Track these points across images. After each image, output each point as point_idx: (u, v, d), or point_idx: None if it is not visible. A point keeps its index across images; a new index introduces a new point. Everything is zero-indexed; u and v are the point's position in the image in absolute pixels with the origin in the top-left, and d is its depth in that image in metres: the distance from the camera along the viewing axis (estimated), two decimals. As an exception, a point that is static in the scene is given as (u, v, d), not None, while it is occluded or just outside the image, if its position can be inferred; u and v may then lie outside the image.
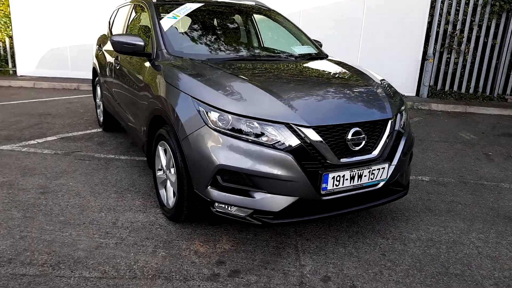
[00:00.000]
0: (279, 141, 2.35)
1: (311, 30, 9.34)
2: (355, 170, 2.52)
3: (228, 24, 3.87)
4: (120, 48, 3.25)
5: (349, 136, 2.48)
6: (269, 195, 2.38)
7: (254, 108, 2.43)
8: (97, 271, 2.35)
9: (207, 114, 2.45)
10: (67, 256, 2.49)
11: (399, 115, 2.86)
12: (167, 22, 3.45)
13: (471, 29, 9.11)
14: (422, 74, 9.20)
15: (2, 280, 2.23)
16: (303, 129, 2.38)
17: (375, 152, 2.61)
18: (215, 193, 2.42)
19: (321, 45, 4.22)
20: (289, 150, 2.35)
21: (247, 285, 2.29)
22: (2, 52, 10.41)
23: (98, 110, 5.71)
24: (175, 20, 3.51)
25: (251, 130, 2.37)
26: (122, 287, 2.22)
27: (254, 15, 4.29)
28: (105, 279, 2.28)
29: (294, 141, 2.36)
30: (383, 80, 3.32)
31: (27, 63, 10.23)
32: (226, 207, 2.44)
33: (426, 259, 2.66)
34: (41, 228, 2.81)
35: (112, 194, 3.45)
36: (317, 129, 2.41)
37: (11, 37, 10.23)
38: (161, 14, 3.54)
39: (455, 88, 9.46)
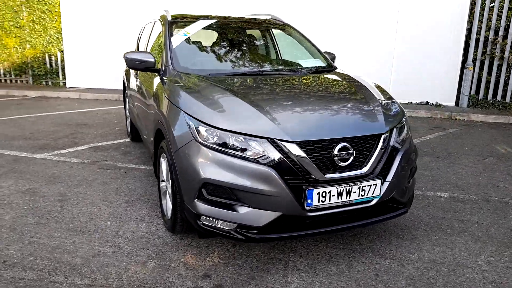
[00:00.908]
0: (263, 156, 2.36)
1: (339, 41, 9.41)
2: (343, 186, 2.46)
3: (237, 39, 3.93)
4: (132, 64, 3.41)
5: (335, 152, 2.44)
6: (252, 209, 2.39)
7: (239, 123, 2.46)
8: (88, 278, 2.48)
9: (196, 129, 2.52)
10: (65, 262, 2.64)
11: (395, 129, 2.76)
12: (177, 39, 3.59)
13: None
14: (461, 83, 8.75)
15: (2, 282, 2.41)
16: (285, 144, 2.37)
17: (365, 168, 2.54)
18: (201, 206, 2.47)
19: (333, 58, 4.16)
20: (272, 165, 2.35)
21: (226, 299, 2.31)
22: (54, 65, 11.21)
23: (127, 121, 5.99)
24: (185, 37, 3.63)
25: (236, 145, 2.40)
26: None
27: (267, 30, 4.33)
28: (93, 287, 2.39)
29: (276, 156, 2.36)
30: (385, 93, 3.22)
31: (75, 76, 10.94)
32: (213, 220, 2.48)
33: (422, 281, 2.54)
34: (49, 235, 3.00)
35: (122, 203, 3.60)
36: (300, 144, 2.39)
37: (62, 51, 11.01)
38: (174, 31, 3.68)
39: (499, 97, 8.90)
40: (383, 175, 2.61)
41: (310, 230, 2.50)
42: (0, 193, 3.76)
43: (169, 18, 3.89)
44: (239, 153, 2.39)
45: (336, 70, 3.77)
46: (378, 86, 3.34)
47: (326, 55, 4.12)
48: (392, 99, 3.15)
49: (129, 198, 3.71)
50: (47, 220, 3.24)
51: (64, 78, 11.13)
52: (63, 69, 11.09)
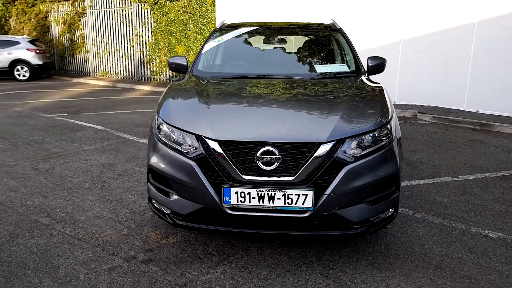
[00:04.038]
0: (192, 150, 2.56)
1: (413, 62, 8.49)
2: (264, 190, 2.44)
3: (267, 44, 4.06)
4: (171, 67, 3.98)
5: (258, 155, 2.43)
6: (180, 198, 2.62)
7: (183, 120, 2.71)
8: (74, 231, 3.15)
9: (158, 124, 2.86)
10: (72, 218, 3.39)
11: (353, 142, 2.51)
12: (209, 44, 3.99)
13: None
14: None
15: (26, 221, 3.29)
16: (209, 142, 2.51)
17: (292, 176, 2.43)
18: (151, 190, 2.82)
19: (380, 64, 3.78)
20: (196, 159, 2.53)
21: (142, 272, 2.61)
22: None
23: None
24: (217, 43, 4.00)
25: (178, 139, 2.66)
26: (73, 244, 2.92)
27: (307, 34, 4.28)
28: (72, 238, 3.04)
29: (200, 152, 2.52)
30: (381, 105, 2.87)
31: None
32: (158, 204, 2.80)
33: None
34: (84, 197, 3.84)
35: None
36: (225, 143, 2.48)
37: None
38: (212, 37, 4.10)
39: None
40: (318, 187, 2.44)
41: (231, 228, 2.57)
42: (89, 163, 4.89)
43: (218, 26, 4.31)
44: (175, 145, 2.64)
45: (357, 77, 3.50)
46: (381, 99, 2.99)
47: (372, 60, 3.82)
48: (384, 115, 2.77)
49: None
50: (96, 187, 4.11)
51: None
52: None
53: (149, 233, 3.14)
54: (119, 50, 14.96)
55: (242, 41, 4.13)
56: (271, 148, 2.43)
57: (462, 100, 8.25)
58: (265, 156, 2.43)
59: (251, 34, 4.15)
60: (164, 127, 2.75)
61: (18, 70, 14.41)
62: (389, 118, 2.77)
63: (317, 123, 2.60)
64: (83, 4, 15.66)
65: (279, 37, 4.19)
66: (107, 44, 15.27)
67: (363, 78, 3.49)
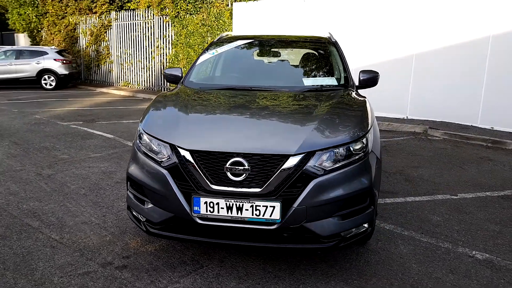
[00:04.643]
0: (166, 159, 2.61)
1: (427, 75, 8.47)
2: (232, 200, 2.46)
3: (259, 57, 4.11)
4: (167, 78, 4.09)
5: (227, 165, 2.46)
6: (153, 206, 2.67)
7: (162, 130, 2.77)
8: (59, 235, 3.25)
9: (138, 133, 2.94)
10: (61, 222, 3.50)
11: (324, 155, 2.51)
12: (204, 56, 4.08)
13: None
14: None
15: (17, 224, 3.42)
16: (181, 151, 2.56)
17: (260, 188, 2.45)
18: (130, 198, 2.89)
19: (373, 77, 3.78)
20: (169, 168, 2.58)
21: (114, 278, 2.67)
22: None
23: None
24: (212, 56, 4.09)
25: (154, 148, 2.73)
26: (56, 248, 3.01)
27: (301, 47, 4.31)
28: (56, 242, 3.14)
29: (173, 161, 2.57)
30: (361, 119, 2.86)
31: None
32: (135, 212, 2.86)
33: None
34: (78, 203, 3.96)
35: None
36: (196, 152, 2.53)
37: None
38: (208, 49, 4.19)
39: None
40: (286, 199, 2.44)
41: (201, 238, 2.59)
42: (91, 171, 5.03)
43: (216, 39, 4.41)
44: (151, 154, 2.70)
45: (344, 90, 3.49)
46: (361, 113, 2.98)
47: (364, 74, 3.81)
48: (361, 128, 2.76)
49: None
50: (91, 193, 4.23)
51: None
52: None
53: (130, 240, 3.20)
54: (141, 61, 15.39)
55: (235, 54, 4.20)
56: (240, 159, 2.46)
57: (476, 116, 8.02)
58: (234, 167, 2.46)
59: (245, 47, 4.21)
60: (144, 137, 2.82)
61: (45, 79, 15.02)
62: (366, 131, 2.75)
63: (288, 135, 2.61)
64: (109, 16, 16.25)
65: (272, 50, 4.23)
66: (130, 56, 15.74)
67: (350, 91, 3.47)
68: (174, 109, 3.04)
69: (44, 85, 15.03)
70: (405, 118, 9.00)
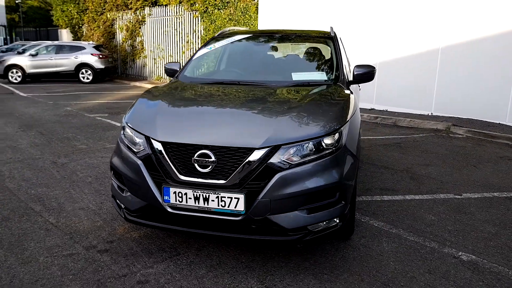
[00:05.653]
0: (142, 150, 2.73)
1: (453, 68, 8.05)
2: (199, 191, 2.54)
3: (254, 51, 4.14)
4: (167, 72, 4.22)
5: (195, 157, 2.54)
6: (130, 194, 2.80)
7: (140, 122, 2.89)
8: (56, 219, 3.47)
9: (122, 125, 3.08)
10: (61, 207, 3.74)
11: (291, 149, 2.53)
12: (201, 51, 4.17)
13: None
14: None
15: (21, 207, 3.69)
16: (154, 142, 2.66)
17: (224, 179, 2.51)
18: (113, 186, 3.04)
19: (369, 72, 3.67)
20: (143, 159, 2.70)
21: (93, 260, 2.83)
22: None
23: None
24: (208, 50, 4.17)
25: (133, 139, 2.85)
26: (49, 231, 3.23)
27: (298, 42, 4.29)
28: (52, 225, 3.36)
29: (147, 152, 2.69)
30: (338, 111, 2.85)
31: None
32: (118, 200, 3.00)
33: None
34: (81, 191, 4.19)
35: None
36: (167, 144, 2.62)
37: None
38: (207, 44, 4.28)
39: None
40: (251, 192, 2.49)
41: (172, 226, 2.69)
42: (102, 160, 5.29)
43: (217, 34, 4.49)
44: (130, 145, 2.83)
45: (332, 85, 3.45)
46: (340, 107, 2.95)
47: (358, 68, 3.74)
48: (336, 122, 2.74)
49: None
50: (96, 182, 4.46)
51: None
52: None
53: (119, 226, 3.37)
54: (172, 56, 15.78)
55: (231, 49, 4.26)
56: (206, 151, 2.53)
57: (504, 113, 7.61)
58: (201, 159, 2.53)
59: (241, 41, 4.26)
60: (126, 129, 2.95)
61: (82, 73, 15.78)
62: (340, 126, 2.73)
63: (256, 129, 2.65)
64: (143, 12, 16.76)
65: (268, 45, 4.25)
66: (162, 50, 16.18)
67: (337, 86, 3.43)
68: (156, 102, 3.15)
69: (81, 78, 15.78)
70: (430, 114, 8.69)
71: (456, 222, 3.62)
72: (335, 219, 2.69)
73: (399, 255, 3.02)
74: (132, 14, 17.32)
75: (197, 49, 14.33)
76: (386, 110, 9.41)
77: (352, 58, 8.58)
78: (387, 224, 3.53)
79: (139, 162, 2.70)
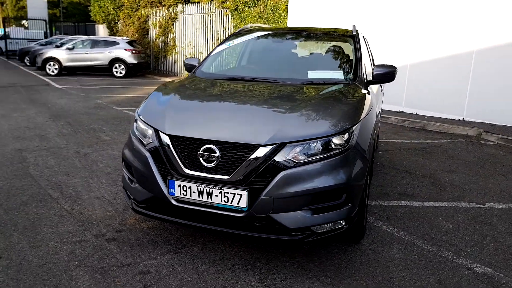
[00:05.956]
0: (150, 142, 2.76)
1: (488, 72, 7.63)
2: (203, 185, 2.54)
3: (273, 49, 4.09)
4: (186, 67, 4.25)
5: (200, 151, 2.54)
6: (138, 185, 2.84)
7: (151, 115, 2.93)
8: (71, 206, 3.57)
9: (135, 119, 3.12)
10: (78, 196, 3.84)
11: (297, 147, 2.48)
12: (220, 47, 4.17)
13: None
14: None
15: (42, 190, 3.82)
16: (161, 135, 2.69)
17: (227, 174, 2.49)
18: (124, 177, 3.09)
19: (390, 72, 3.54)
20: (151, 151, 2.73)
21: (100, 248, 2.88)
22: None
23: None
24: (227, 46, 4.17)
25: (143, 132, 2.88)
26: (63, 217, 3.32)
27: (320, 41, 4.20)
28: (66, 212, 3.46)
29: (155, 144, 2.71)
30: (350, 110, 2.77)
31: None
32: (128, 191, 3.05)
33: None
34: (99, 180, 4.29)
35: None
36: (174, 138, 2.64)
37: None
38: (226, 41, 4.27)
39: None
40: (254, 189, 2.46)
41: (176, 219, 2.70)
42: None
43: (237, 30, 4.48)
44: (140, 137, 2.87)
45: (349, 84, 3.36)
46: (353, 107, 2.87)
47: (378, 68, 3.62)
48: (347, 122, 2.67)
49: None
50: (114, 172, 4.56)
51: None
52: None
53: (130, 217, 3.42)
54: (202, 53, 15.95)
55: (252, 45, 4.24)
56: (212, 146, 2.52)
57: (541, 121, 7.21)
58: (206, 153, 2.53)
59: (261, 38, 4.23)
60: (138, 122, 2.99)
61: (116, 68, 16.20)
62: (351, 126, 2.65)
63: (262, 126, 2.61)
64: (176, 9, 17.02)
65: (287, 42, 4.19)
66: (193, 48, 16.38)
67: (354, 86, 3.33)
68: (168, 97, 3.17)
69: (115, 73, 16.21)
70: (461, 119, 8.36)
71: (475, 232, 3.45)
72: (341, 221, 2.62)
73: (409, 263, 2.91)
74: (165, 11, 17.63)
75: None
76: (415, 114, 9.12)
77: (382, 59, 8.38)
78: (401, 230, 3.41)
79: (148, 154, 2.73)
